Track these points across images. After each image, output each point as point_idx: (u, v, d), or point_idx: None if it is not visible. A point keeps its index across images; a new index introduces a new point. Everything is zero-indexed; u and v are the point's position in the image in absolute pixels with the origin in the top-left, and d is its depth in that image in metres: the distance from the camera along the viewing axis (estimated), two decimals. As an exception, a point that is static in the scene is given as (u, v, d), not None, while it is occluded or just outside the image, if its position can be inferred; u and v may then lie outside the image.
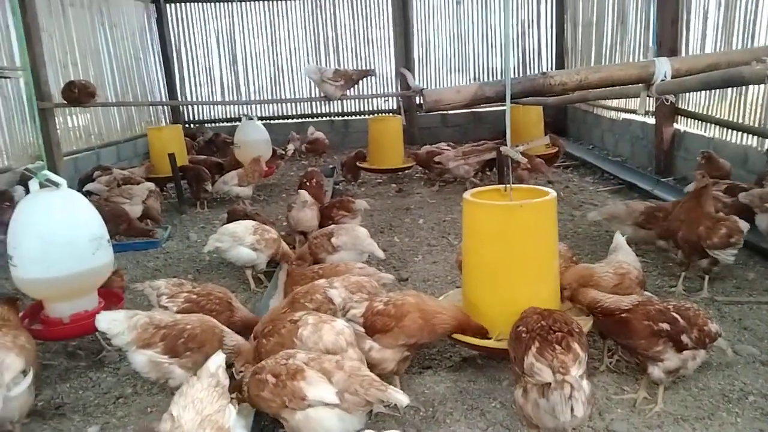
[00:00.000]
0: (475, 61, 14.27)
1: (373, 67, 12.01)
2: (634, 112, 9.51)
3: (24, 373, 3.22)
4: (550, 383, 2.72)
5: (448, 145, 10.01)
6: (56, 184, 4.05)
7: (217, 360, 2.70)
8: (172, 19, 13.78)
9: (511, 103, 3.63)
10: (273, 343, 3.33)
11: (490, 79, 14.16)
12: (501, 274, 3.59)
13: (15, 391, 3.09)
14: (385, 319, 3.37)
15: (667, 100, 3.72)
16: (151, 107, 13.09)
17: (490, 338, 3.58)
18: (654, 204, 5.62)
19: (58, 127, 8.94)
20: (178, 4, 13.80)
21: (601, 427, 3.27)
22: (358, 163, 9.86)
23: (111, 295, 4.53)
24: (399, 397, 2.82)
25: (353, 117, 14.28)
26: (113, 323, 3.42)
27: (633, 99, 6.82)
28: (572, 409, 2.64)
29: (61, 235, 3.95)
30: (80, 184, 8.32)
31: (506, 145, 3.78)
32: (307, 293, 3.87)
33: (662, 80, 3.51)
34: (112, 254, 4.30)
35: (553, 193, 3.61)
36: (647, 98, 3.66)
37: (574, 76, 3.69)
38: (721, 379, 3.66)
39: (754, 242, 5.65)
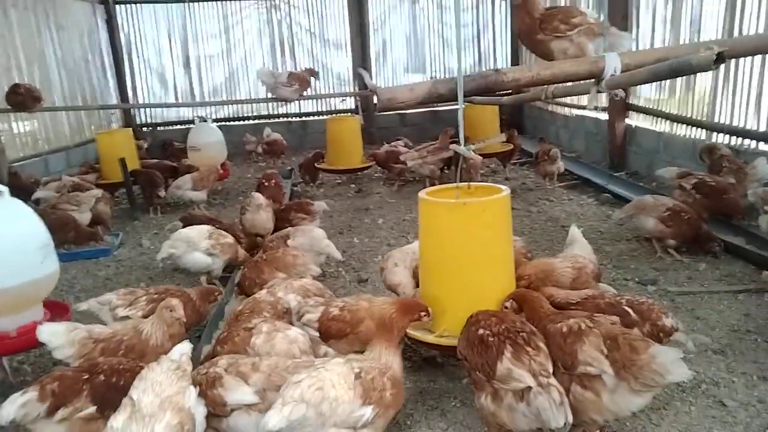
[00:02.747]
0: (431, 60, 14.32)
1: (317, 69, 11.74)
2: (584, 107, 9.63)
3: None
4: (530, 387, 2.67)
5: (405, 144, 9.99)
6: (-2, 192, 3.87)
7: (182, 348, 2.84)
8: (122, 21, 13.40)
9: (465, 101, 3.61)
10: (227, 351, 3.24)
11: (447, 77, 14.21)
12: (452, 269, 3.54)
13: None
14: (340, 325, 3.30)
15: (616, 95, 3.76)
16: (101, 110, 12.70)
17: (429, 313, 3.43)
18: (681, 205, 5.58)
19: (2, 133, 8.61)
20: (128, 6, 13.43)
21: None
22: (316, 164, 9.77)
23: (56, 306, 4.38)
24: None
25: (311, 117, 14.12)
26: (54, 335, 3.32)
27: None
28: (566, 414, 2.62)
29: (9, 245, 3.78)
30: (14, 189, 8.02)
31: (461, 143, 3.77)
32: (253, 312, 3.72)
33: (612, 75, 3.54)
34: (57, 263, 4.15)
35: (505, 192, 3.58)
36: (597, 93, 3.69)
37: (527, 72, 3.69)
38: (676, 369, 3.71)
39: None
